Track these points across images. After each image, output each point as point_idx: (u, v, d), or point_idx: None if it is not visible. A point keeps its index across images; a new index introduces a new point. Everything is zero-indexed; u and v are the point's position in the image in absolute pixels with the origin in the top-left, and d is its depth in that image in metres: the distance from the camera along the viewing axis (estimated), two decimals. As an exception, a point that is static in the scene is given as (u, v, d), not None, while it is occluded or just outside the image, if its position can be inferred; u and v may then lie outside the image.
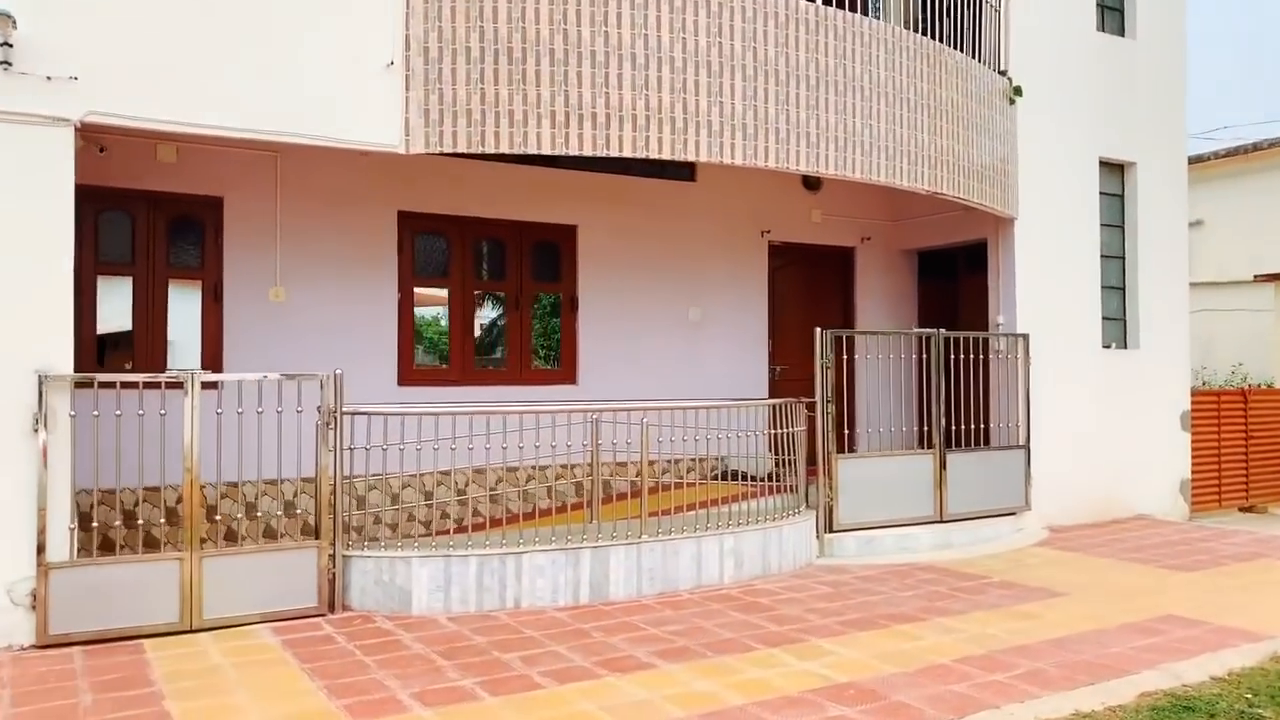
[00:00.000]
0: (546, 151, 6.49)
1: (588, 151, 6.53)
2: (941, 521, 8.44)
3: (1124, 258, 10.19)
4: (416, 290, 8.39)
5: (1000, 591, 6.66)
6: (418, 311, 8.43)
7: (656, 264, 9.23)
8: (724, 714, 4.31)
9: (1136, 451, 9.96)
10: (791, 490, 7.78)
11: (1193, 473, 10.56)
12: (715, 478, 8.87)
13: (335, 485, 6.04)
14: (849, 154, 7.39)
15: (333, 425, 6.02)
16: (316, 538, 6.02)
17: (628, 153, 6.60)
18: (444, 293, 8.54)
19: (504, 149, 6.42)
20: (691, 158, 6.80)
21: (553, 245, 8.84)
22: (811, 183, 10.13)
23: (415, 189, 8.20)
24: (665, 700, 4.47)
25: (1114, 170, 10.15)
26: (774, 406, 7.69)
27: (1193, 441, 10.56)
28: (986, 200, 8.66)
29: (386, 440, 6.17)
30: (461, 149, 6.39)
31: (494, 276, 8.84)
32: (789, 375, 9.81)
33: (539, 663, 5.04)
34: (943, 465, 8.45)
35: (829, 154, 7.29)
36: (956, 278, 10.51)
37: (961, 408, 8.69)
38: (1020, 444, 9.02)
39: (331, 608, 5.99)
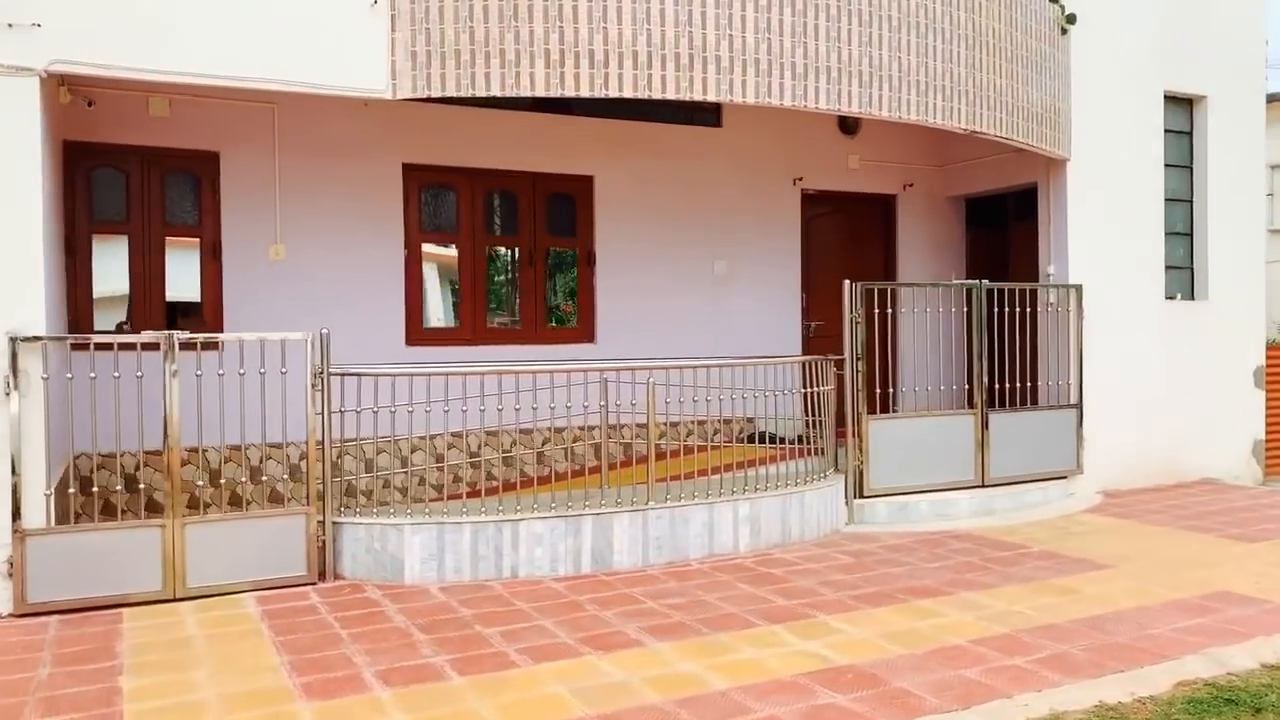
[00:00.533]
0: (540, 93, 6.06)
1: (585, 92, 6.08)
2: (984, 486, 7.91)
3: (1192, 201, 9.39)
4: (425, 246, 8.06)
5: (1037, 563, 6.14)
6: (426, 267, 8.12)
7: (680, 215, 8.76)
8: (703, 700, 3.93)
9: (1203, 411, 9.24)
10: (820, 453, 7.34)
11: (1268, 433, 9.78)
12: (743, 440, 8.46)
13: (324, 448, 5.78)
14: (875, 90, 6.81)
15: (319, 387, 5.75)
16: (307, 503, 5.79)
17: (628, 93, 6.13)
18: (452, 250, 8.21)
19: (495, 91, 6.02)
20: (698, 96, 6.30)
21: (568, 197, 8.43)
22: (849, 126, 9.52)
23: (420, 140, 7.85)
24: (643, 683, 4.12)
25: (1181, 105, 9.33)
26: (802, 364, 7.23)
27: (1268, 399, 9.77)
28: (1034, 140, 7.99)
29: (378, 402, 5.89)
30: (451, 93, 6.00)
31: (506, 231, 8.47)
32: (825, 331, 9.27)
33: (520, 638, 4.73)
34: (985, 426, 7.89)
35: (852, 90, 6.72)
36: (1006, 226, 9.83)
37: (1009, 365, 8.11)
38: (1071, 403, 8.40)
39: (322, 576, 5.76)
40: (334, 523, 5.82)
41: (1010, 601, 5.26)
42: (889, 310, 7.56)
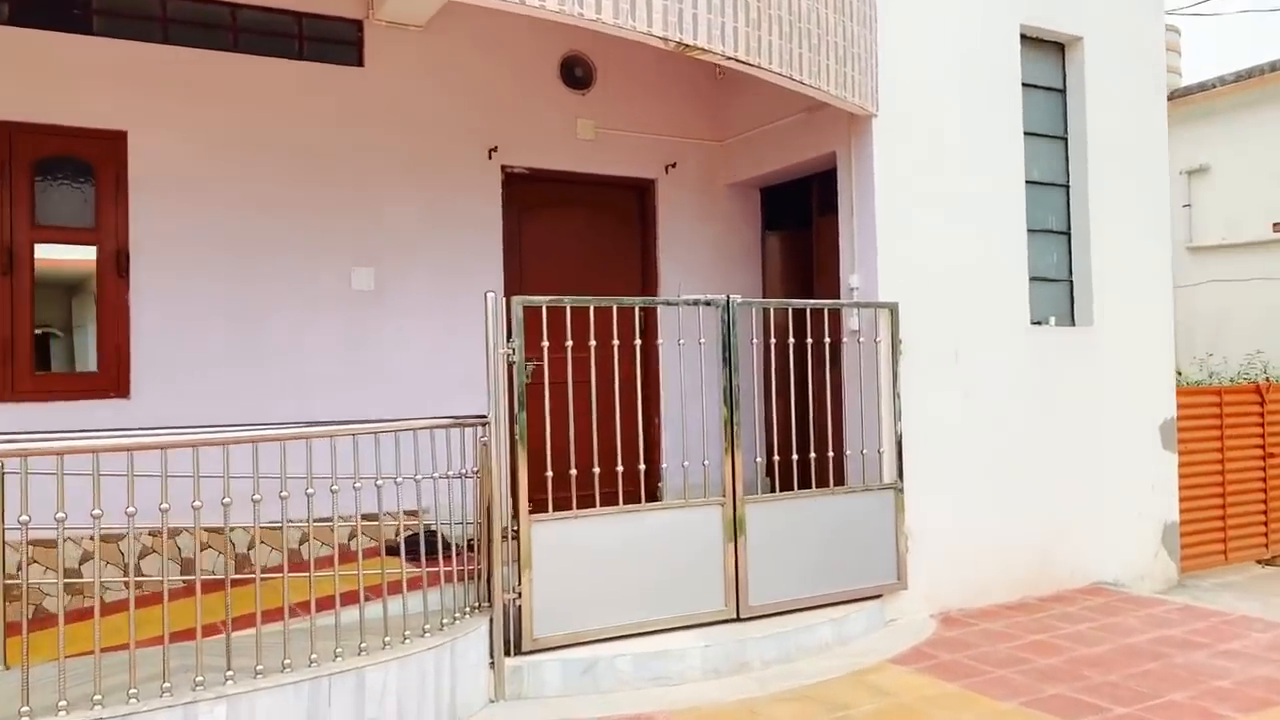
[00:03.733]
0: None
1: None
2: (739, 620, 4.96)
3: (1068, 186, 6.64)
4: None
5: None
6: None
7: (293, 200, 5.73)
8: None
9: (1091, 485, 6.42)
10: (465, 579, 4.39)
11: (1183, 512, 6.99)
12: (394, 551, 5.40)
13: None
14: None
15: None
16: None
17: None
18: None
19: None
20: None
21: (80, 165, 5.33)
22: (576, 75, 6.64)
23: None
24: None
25: (1049, 51, 6.61)
26: (428, 432, 4.25)
27: (1183, 464, 6.99)
28: (819, 81, 5.16)
29: None
30: None
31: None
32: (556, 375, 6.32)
33: None
34: (737, 527, 4.96)
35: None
36: (811, 223, 6.98)
37: (803, 424, 5.24)
38: (887, 483, 5.50)
39: None
40: None
41: None
42: (645, 339, 4.65)
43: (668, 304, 5.01)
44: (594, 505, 4.67)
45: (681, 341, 4.91)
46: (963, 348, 5.89)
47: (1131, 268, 6.69)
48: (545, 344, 4.58)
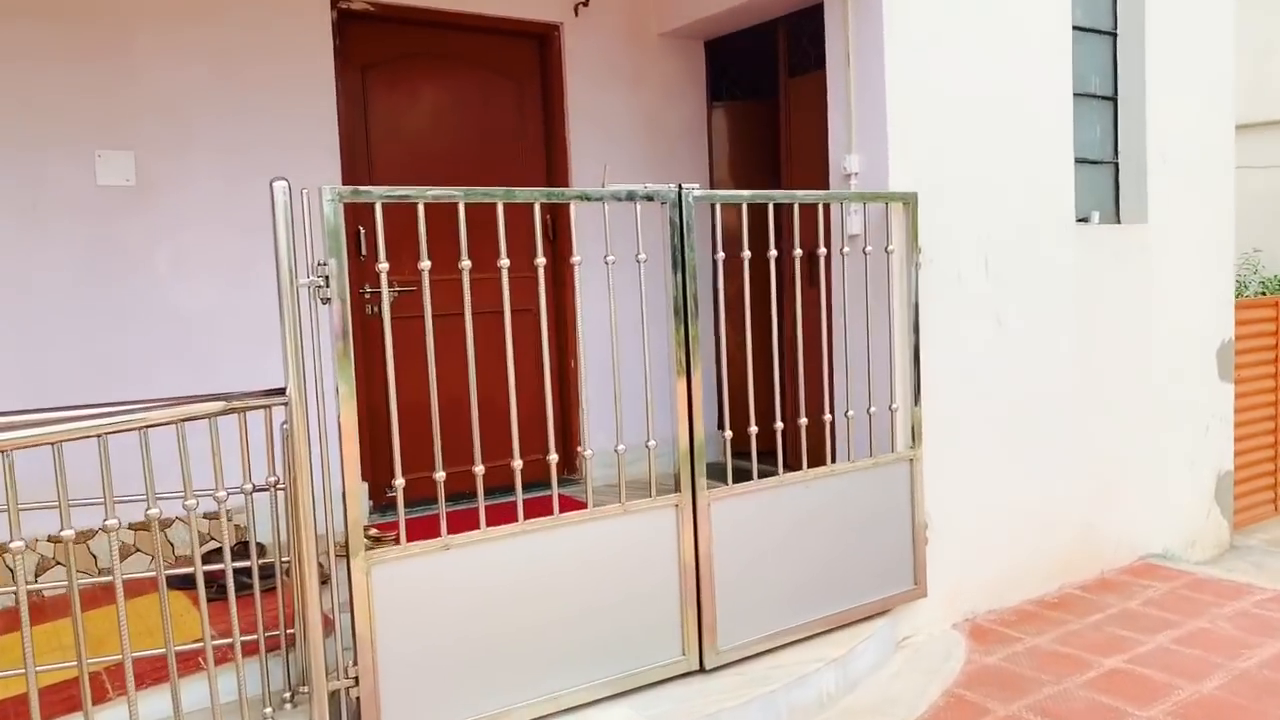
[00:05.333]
0: None
1: None
2: (702, 671, 3.33)
3: (1115, 34, 4.96)
4: None
5: None
6: None
7: None
8: None
9: (1142, 432, 4.93)
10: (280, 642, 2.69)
11: (1238, 457, 5.59)
12: (182, 584, 3.54)
13: None
14: None
15: None
16: None
17: None
18: None
19: None
20: None
21: None
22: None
23: None
24: None
25: None
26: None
27: (1239, 396, 5.56)
28: None
29: None
30: None
31: None
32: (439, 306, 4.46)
33: None
34: (698, 535, 3.28)
35: None
36: (777, 89, 5.16)
37: (778, 376, 3.55)
38: (900, 453, 3.87)
39: None
40: None
41: None
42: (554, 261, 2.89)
43: (585, 198, 3.22)
44: (477, 524, 2.92)
45: (610, 259, 3.12)
46: (993, 256, 4.25)
47: (1191, 149, 5.10)
48: (383, 267, 2.75)
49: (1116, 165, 4.98)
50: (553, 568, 3.04)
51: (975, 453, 4.20)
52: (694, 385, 3.27)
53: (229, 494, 2.54)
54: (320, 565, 2.70)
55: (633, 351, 3.17)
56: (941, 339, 4.03)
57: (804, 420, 3.64)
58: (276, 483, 2.74)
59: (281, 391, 2.65)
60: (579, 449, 3.71)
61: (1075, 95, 4.59)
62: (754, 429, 3.52)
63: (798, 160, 4.92)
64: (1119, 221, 4.98)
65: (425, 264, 2.80)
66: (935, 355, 4.00)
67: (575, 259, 3.13)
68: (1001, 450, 4.31)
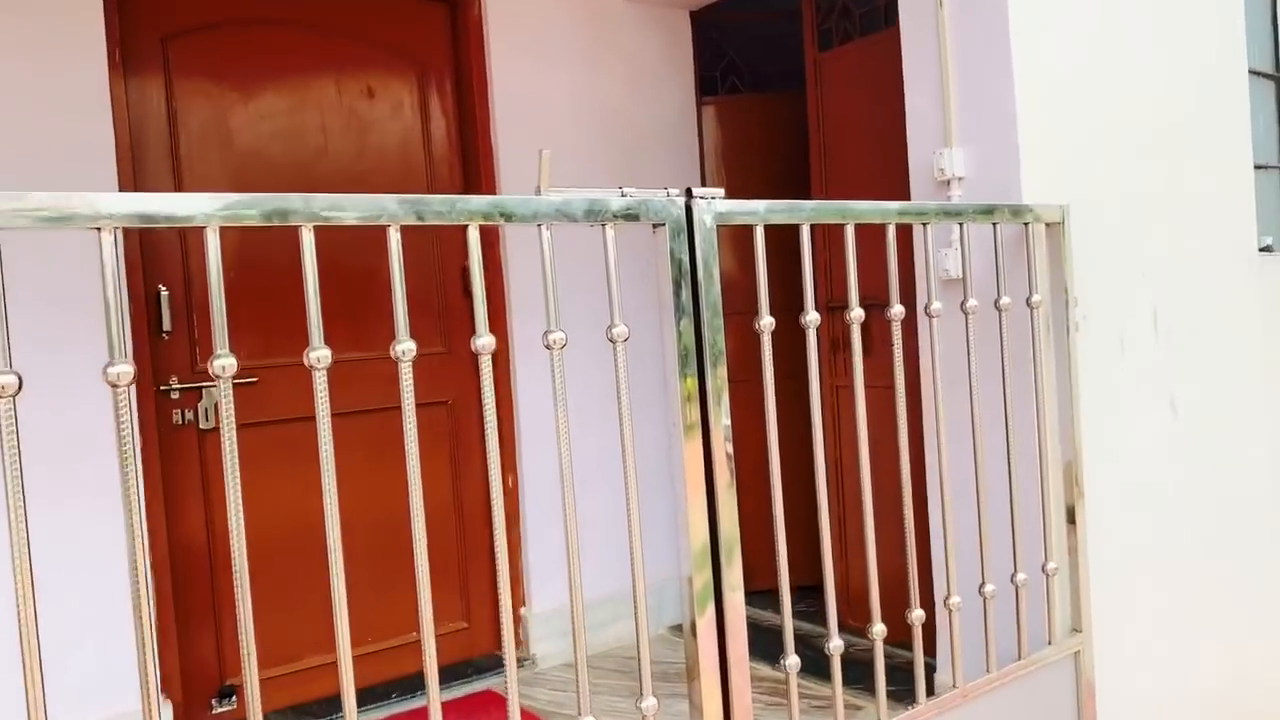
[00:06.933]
0: None
1: None
2: None
3: (1278, -9, 3.52)
4: None
5: None
6: None
7: None
8: None
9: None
10: None
11: None
12: None
13: None
14: None
15: None
16: None
17: None
18: None
19: None
20: None
21: None
22: None
23: None
24: None
25: None
26: None
27: None
28: None
29: None
30: None
31: None
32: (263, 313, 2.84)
33: None
34: None
35: None
36: (802, 69, 3.62)
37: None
38: (1059, 643, 2.29)
39: None
40: None
41: None
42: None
43: (506, 216, 1.64)
44: None
45: (557, 336, 1.54)
46: (1162, 308, 2.73)
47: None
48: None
49: (1285, 171, 3.50)
50: None
51: (1161, 618, 2.65)
52: (716, 451, 1.69)
53: None
54: None
55: (603, 457, 1.58)
56: (1106, 443, 2.49)
57: (921, 612, 2.05)
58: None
59: None
60: (520, 609, 2.11)
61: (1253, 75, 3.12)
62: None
63: (837, 165, 3.38)
64: (1290, 250, 3.49)
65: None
66: (1096, 471, 2.46)
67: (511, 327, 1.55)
68: (1192, 607, 2.76)
